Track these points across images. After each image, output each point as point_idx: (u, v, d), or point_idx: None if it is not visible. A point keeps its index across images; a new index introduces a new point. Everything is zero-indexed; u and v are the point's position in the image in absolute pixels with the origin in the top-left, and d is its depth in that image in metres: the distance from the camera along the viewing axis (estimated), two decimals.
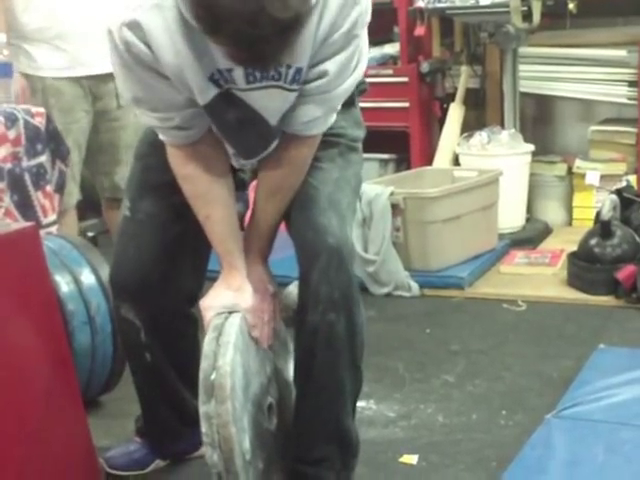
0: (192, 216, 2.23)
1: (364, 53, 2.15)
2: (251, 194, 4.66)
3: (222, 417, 2.06)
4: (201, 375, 2.09)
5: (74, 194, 3.76)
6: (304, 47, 1.98)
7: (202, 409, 2.08)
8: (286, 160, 2.19)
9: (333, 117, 2.20)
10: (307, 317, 2.18)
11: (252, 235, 2.26)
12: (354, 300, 2.21)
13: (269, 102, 2.07)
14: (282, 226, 2.27)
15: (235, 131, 2.15)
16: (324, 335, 2.17)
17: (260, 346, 2.24)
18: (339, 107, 2.20)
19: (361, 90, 2.39)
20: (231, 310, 2.18)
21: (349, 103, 2.31)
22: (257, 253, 2.25)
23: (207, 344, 2.12)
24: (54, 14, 3.53)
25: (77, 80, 3.62)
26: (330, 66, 2.05)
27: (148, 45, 1.97)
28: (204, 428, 2.08)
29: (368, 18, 2.06)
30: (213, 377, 2.07)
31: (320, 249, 2.15)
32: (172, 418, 2.53)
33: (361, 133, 2.39)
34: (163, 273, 2.34)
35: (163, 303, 2.37)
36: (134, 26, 1.96)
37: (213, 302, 2.21)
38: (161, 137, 2.20)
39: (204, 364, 2.09)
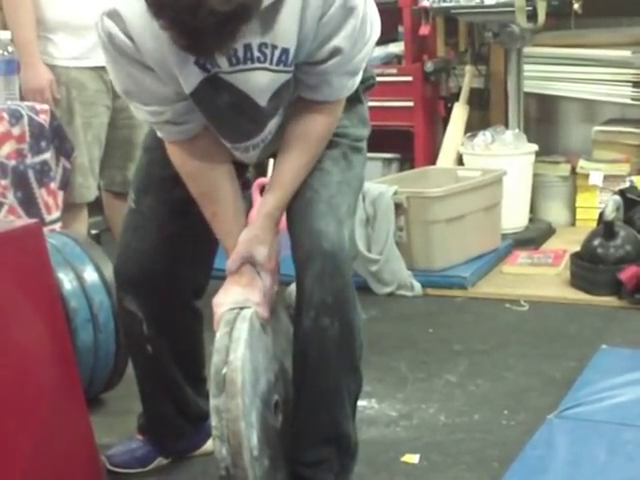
0: (196, 209, 2.24)
1: (374, 20, 2.15)
2: (254, 193, 4.69)
3: (232, 412, 2.07)
4: (212, 369, 2.10)
5: (92, 189, 3.78)
6: (287, 27, 1.99)
7: (212, 403, 2.09)
8: (324, 113, 2.18)
9: (359, 78, 2.20)
10: (301, 321, 2.18)
11: (271, 189, 2.23)
12: (350, 304, 2.19)
13: (256, 83, 2.07)
14: (283, 225, 2.27)
15: (225, 117, 2.14)
16: (317, 340, 2.17)
17: (269, 341, 2.25)
18: (363, 67, 2.19)
19: (368, 86, 2.37)
20: (242, 306, 2.18)
21: (354, 99, 2.30)
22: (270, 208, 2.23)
23: (219, 339, 2.13)
24: (77, 5, 3.57)
25: (100, 75, 3.64)
26: (340, 42, 2.05)
27: (129, 35, 1.99)
28: (214, 422, 2.09)
29: None
30: (224, 371, 2.08)
31: (315, 254, 2.14)
32: (173, 414, 2.53)
33: (365, 132, 2.37)
34: (166, 265, 2.35)
35: (166, 295, 2.38)
36: (114, 15, 1.98)
37: (224, 299, 2.21)
38: (159, 134, 2.21)
39: (216, 358, 2.11)
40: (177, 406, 2.52)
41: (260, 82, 2.07)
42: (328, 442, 2.27)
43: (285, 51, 2.03)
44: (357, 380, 2.29)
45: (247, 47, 2.00)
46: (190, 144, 2.19)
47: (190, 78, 2.04)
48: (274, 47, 2.01)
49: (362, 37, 2.10)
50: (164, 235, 2.34)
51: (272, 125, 2.20)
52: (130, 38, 1.99)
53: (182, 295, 2.42)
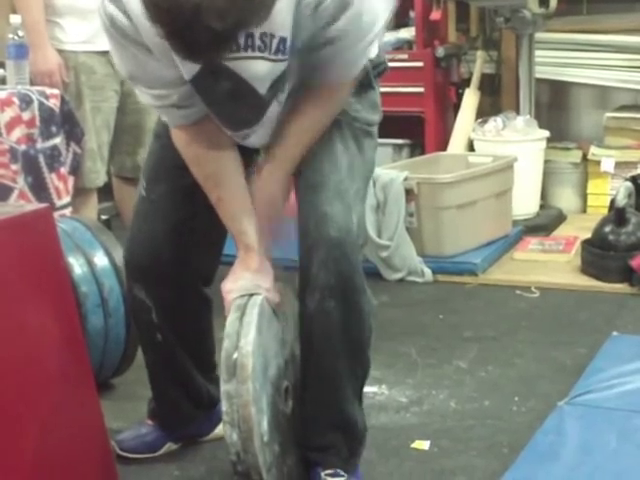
0: (205, 197, 2.23)
1: (379, 11, 2.11)
2: None
3: (243, 397, 2.07)
4: (223, 354, 2.11)
5: (101, 174, 3.79)
6: (282, 18, 1.97)
7: (223, 388, 2.10)
8: (322, 100, 2.17)
9: (364, 61, 2.16)
10: (305, 303, 2.18)
11: (271, 163, 2.23)
12: (356, 289, 2.18)
13: (256, 72, 2.06)
14: (290, 211, 2.26)
15: (225, 104, 2.14)
16: (320, 322, 2.16)
17: (279, 326, 2.25)
18: (368, 55, 2.16)
19: (380, 71, 2.35)
20: (252, 292, 2.18)
21: (366, 85, 2.29)
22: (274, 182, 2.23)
23: (229, 324, 2.13)
24: None
25: (108, 59, 3.65)
26: (334, 33, 2.02)
27: (129, 17, 1.99)
28: (224, 407, 2.10)
29: None
30: (235, 356, 2.09)
31: (321, 239, 2.13)
32: (183, 400, 2.54)
33: (376, 117, 2.36)
34: (176, 253, 2.35)
35: (175, 282, 2.37)
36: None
37: (234, 285, 2.20)
38: (163, 119, 2.21)
39: (227, 343, 2.11)
40: (187, 392, 2.53)
41: (259, 70, 2.06)
42: (334, 427, 2.26)
43: (283, 40, 2.02)
44: (364, 365, 2.28)
45: (249, 35, 1.99)
46: (195, 128, 2.18)
47: (189, 64, 2.03)
48: (272, 36, 2.01)
49: (359, 29, 2.05)
50: (174, 222, 2.34)
51: (270, 114, 2.18)
52: (130, 20, 1.99)
53: (191, 282, 2.42)
